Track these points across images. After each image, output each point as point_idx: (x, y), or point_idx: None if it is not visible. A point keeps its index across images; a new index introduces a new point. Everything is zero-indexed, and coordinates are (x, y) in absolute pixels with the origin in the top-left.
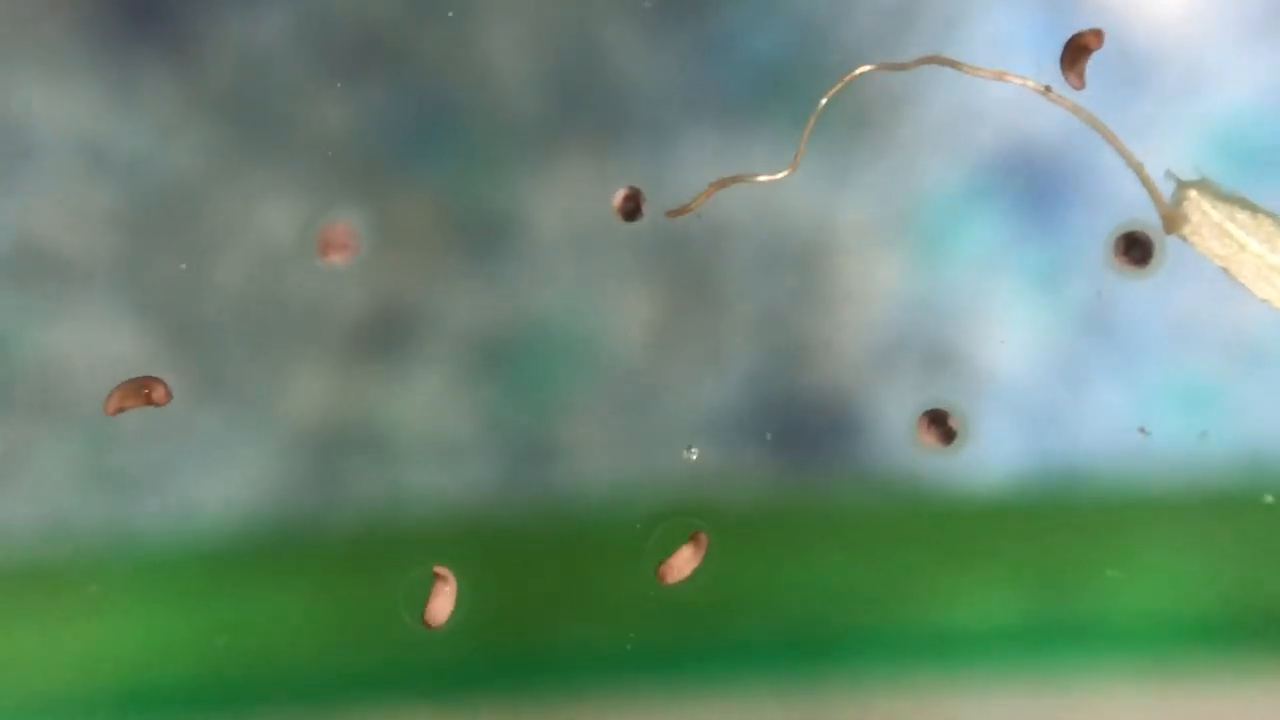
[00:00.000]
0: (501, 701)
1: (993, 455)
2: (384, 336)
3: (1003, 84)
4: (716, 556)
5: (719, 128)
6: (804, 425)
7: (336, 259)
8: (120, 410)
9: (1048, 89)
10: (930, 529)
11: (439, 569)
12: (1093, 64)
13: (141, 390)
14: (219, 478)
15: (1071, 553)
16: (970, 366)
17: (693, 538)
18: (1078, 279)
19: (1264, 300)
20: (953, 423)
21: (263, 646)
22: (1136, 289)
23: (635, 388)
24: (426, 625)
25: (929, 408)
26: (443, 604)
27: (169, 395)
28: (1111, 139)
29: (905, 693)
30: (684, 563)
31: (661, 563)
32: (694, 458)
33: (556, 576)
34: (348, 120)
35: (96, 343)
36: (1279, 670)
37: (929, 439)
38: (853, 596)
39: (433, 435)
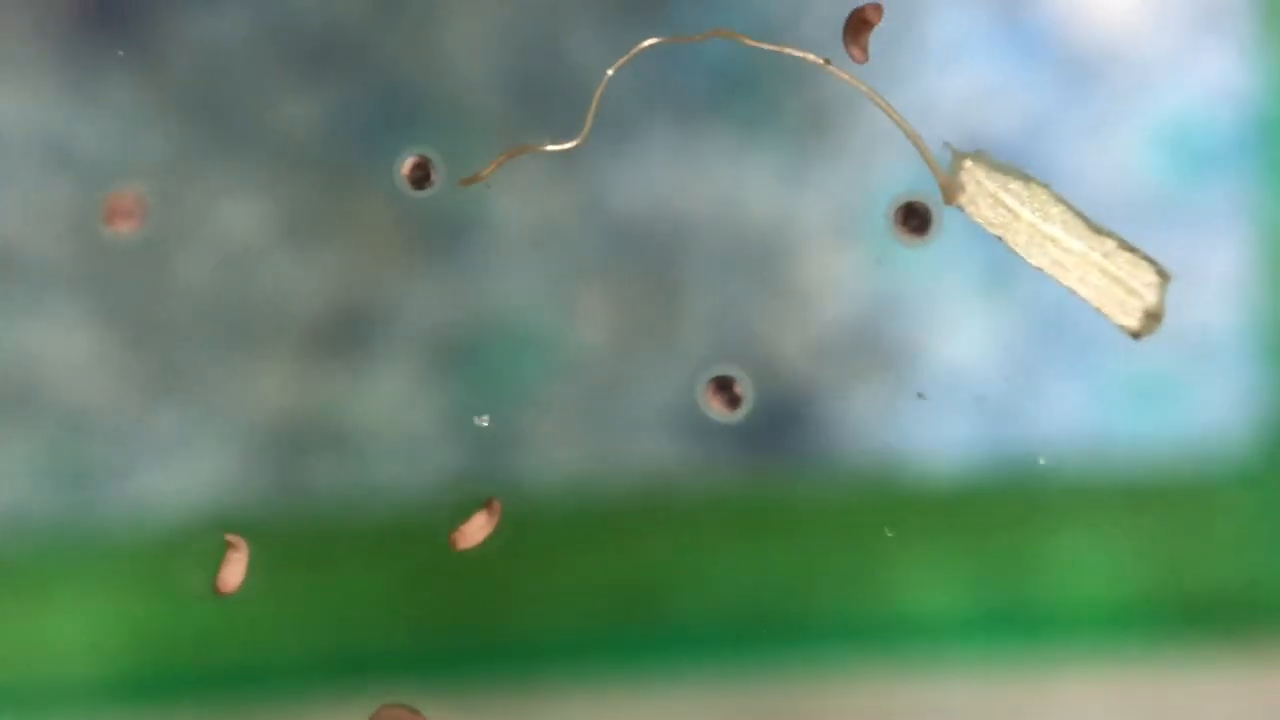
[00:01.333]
0: (452, 685)
1: (946, 444)
2: (346, 333)
3: (961, 80)
4: (670, 543)
5: (676, 125)
6: (763, 418)
7: (123, 227)
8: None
9: (827, 61)
10: (885, 517)
11: (231, 537)
12: (877, 38)
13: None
14: (179, 473)
15: (1024, 540)
16: (926, 359)
17: (486, 505)
18: (1031, 276)
19: (1038, 268)
20: (738, 388)
21: (224, 635)
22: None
23: (596, 382)
24: (219, 592)
25: (716, 375)
26: (235, 570)
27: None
28: (889, 110)
29: (861, 678)
30: (476, 530)
31: (454, 530)
32: (485, 424)
33: (511, 564)
34: (309, 117)
35: (58, 340)
36: (1229, 654)
37: (716, 404)
38: (809, 583)
39: (394, 431)
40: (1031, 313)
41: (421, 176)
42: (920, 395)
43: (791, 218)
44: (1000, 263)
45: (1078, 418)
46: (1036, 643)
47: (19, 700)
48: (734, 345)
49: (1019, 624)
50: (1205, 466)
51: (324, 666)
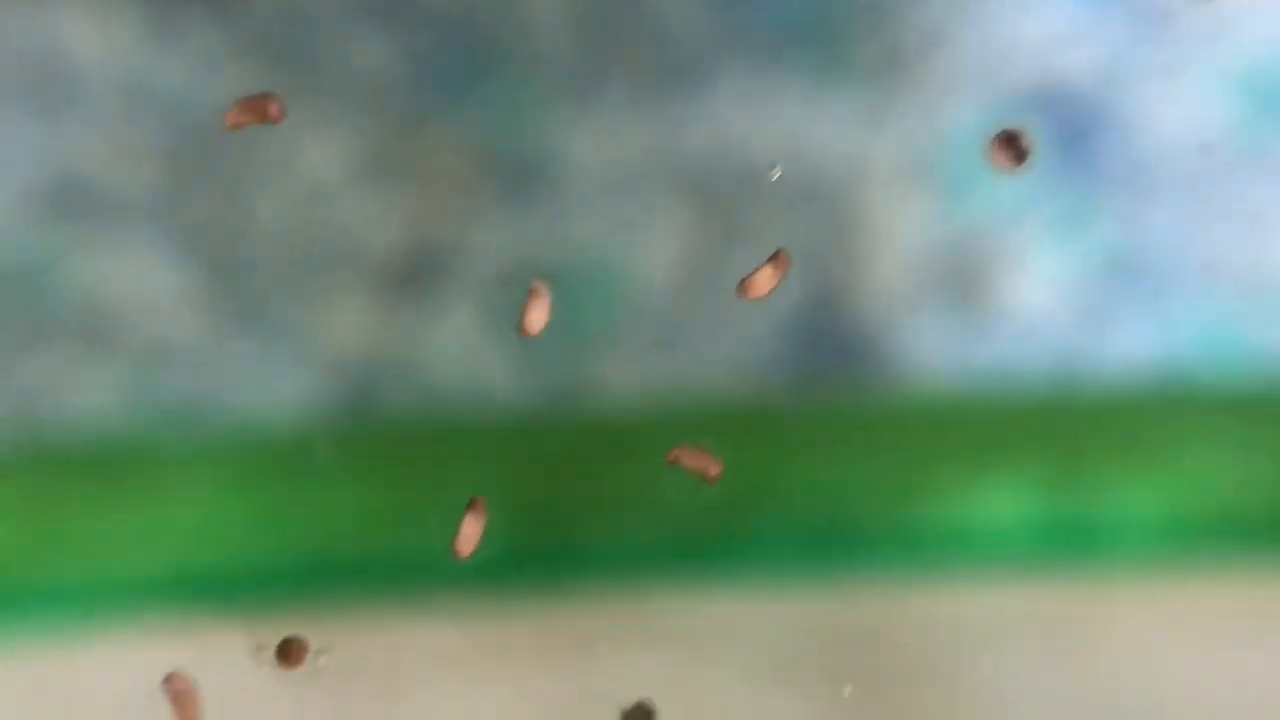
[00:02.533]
0: (538, 596)
1: (1014, 369)
2: (420, 270)
3: (1036, 25)
4: (742, 458)
5: (749, 68)
6: (832, 359)
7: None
8: (238, 125)
9: None
10: (953, 430)
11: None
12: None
13: (257, 107)
14: (258, 405)
15: (1088, 451)
16: (996, 304)
17: (774, 257)
18: (1104, 218)
19: None
20: (1025, 142)
21: (306, 537)
22: (1162, 229)
23: (666, 323)
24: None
25: (1003, 129)
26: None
27: (282, 112)
28: None
29: (924, 588)
30: (765, 280)
31: (744, 281)
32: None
33: (588, 484)
34: (387, 57)
35: (138, 276)
36: None
37: (1001, 159)
38: (875, 494)
39: (467, 369)
40: (1106, 253)
41: None
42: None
43: (864, 159)
44: (1078, 202)
45: (1146, 351)
46: (1096, 553)
47: (121, 587)
48: (805, 286)
49: (1080, 537)
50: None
51: (391, 565)
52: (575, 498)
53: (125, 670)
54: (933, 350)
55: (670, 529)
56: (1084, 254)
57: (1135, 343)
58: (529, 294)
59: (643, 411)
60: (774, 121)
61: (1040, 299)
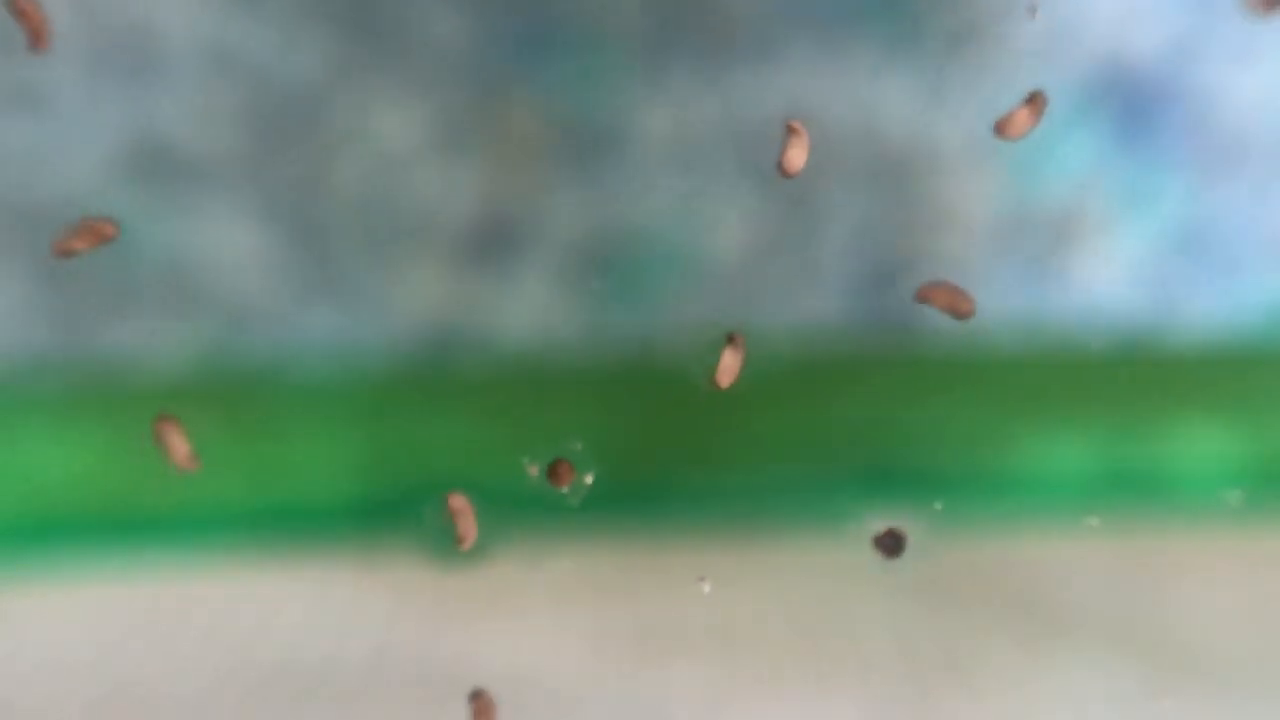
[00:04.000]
0: (635, 531)
1: (1083, 332)
2: (491, 240)
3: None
4: (816, 410)
5: (819, 42)
6: (901, 322)
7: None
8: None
9: None
10: (1024, 386)
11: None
12: None
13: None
14: (334, 370)
15: (1156, 404)
16: (1065, 275)
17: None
18: (1171, 195)
19: None
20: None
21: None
22: (1231, 205)
23: (733, 296)
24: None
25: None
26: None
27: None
28: None
29: (998, 533)
30: (1023, 120)
31: (713, 372)
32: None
33: (662, 437)
34: (463, 29)
35: (218, 240)
36: None
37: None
38: (949, 443)
39: (537, 338)
40: (1174, 227)
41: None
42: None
43: (931, 133)
44: (1145, 177)
45: (1214, 317)
46: (1163, 504)
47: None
48: (870, 260)
49: (1148, 486)
50: None
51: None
52: (650, 449)
53: (218, 600)
54: (1001, 313)
55: (748, 474)
56: (1152, 228)
57: (1201, 311)
58: (788, 132)
59: (711, 372)
60: (841, 95)
61: (1108, 272)
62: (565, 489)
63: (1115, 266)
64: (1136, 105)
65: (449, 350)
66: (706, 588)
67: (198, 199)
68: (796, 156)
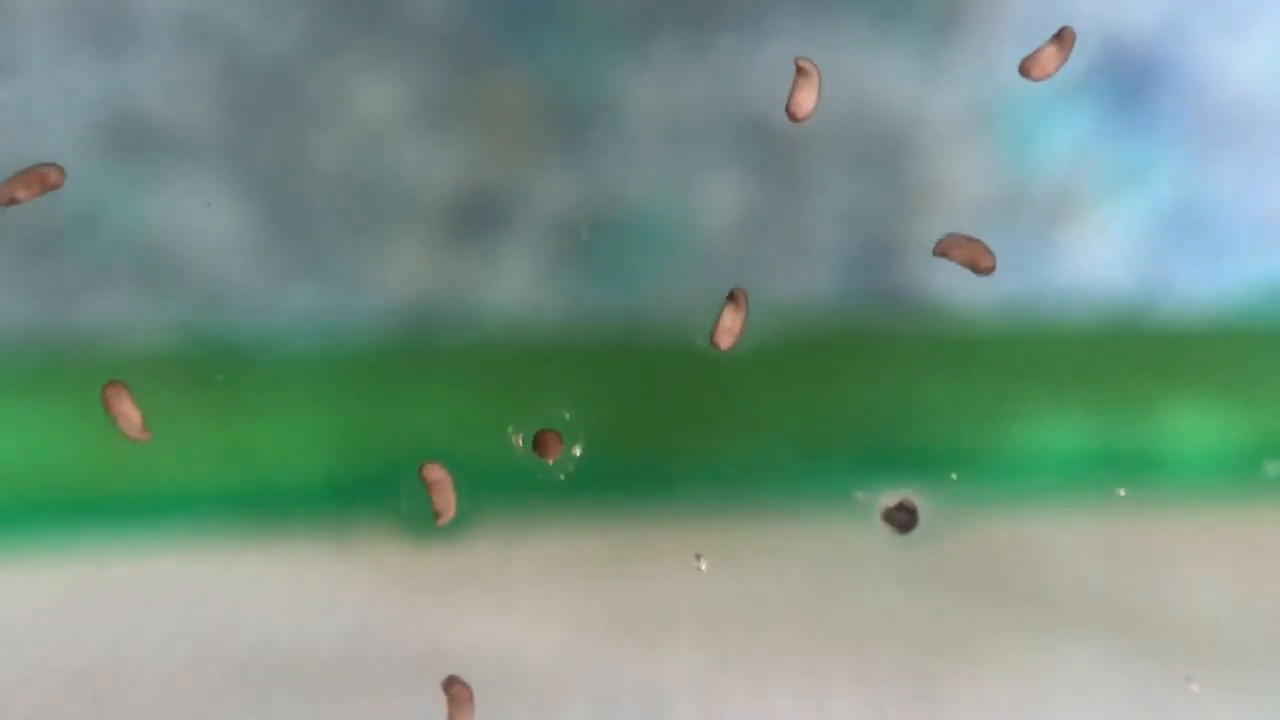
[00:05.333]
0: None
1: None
2: (475, 216)
3: None
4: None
5: (809, 14)
6: (888, 299)
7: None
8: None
9: None
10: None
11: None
12: None
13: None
14: (313, 346)
15: (1149, 383)
16: (1058, 256)
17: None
18: (1165, 172)
19: None
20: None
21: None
22: (1224, 182)
23: (723, 270)
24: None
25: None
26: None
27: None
28: None
29: (992, 511)
30: (1049, 59)
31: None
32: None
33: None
34: (447, 3)
35: (195, 215)
36: None
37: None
38: (941, 423)
39: (523, 313)
40: (1166, 204)
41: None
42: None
43: (923, 108)
44: (1139, 153)
45: (1206, 296)
46: (1155, 484)
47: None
48: (860, 236)
49: (1140, 465)
50: None
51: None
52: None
53: (191, 576)
54: (992, 289)
55: (741, 450)
56: (1145, 205)
57: (1195, 289)
58: (797, 72)
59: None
60: (833, 68)
61: (1101, 249)
62: (552, 461)
63: (1108, 244)
64: (1130, 82)
65: (433, 326)
66: (702, 566)
67: (174, 173)
68: (805, 99)
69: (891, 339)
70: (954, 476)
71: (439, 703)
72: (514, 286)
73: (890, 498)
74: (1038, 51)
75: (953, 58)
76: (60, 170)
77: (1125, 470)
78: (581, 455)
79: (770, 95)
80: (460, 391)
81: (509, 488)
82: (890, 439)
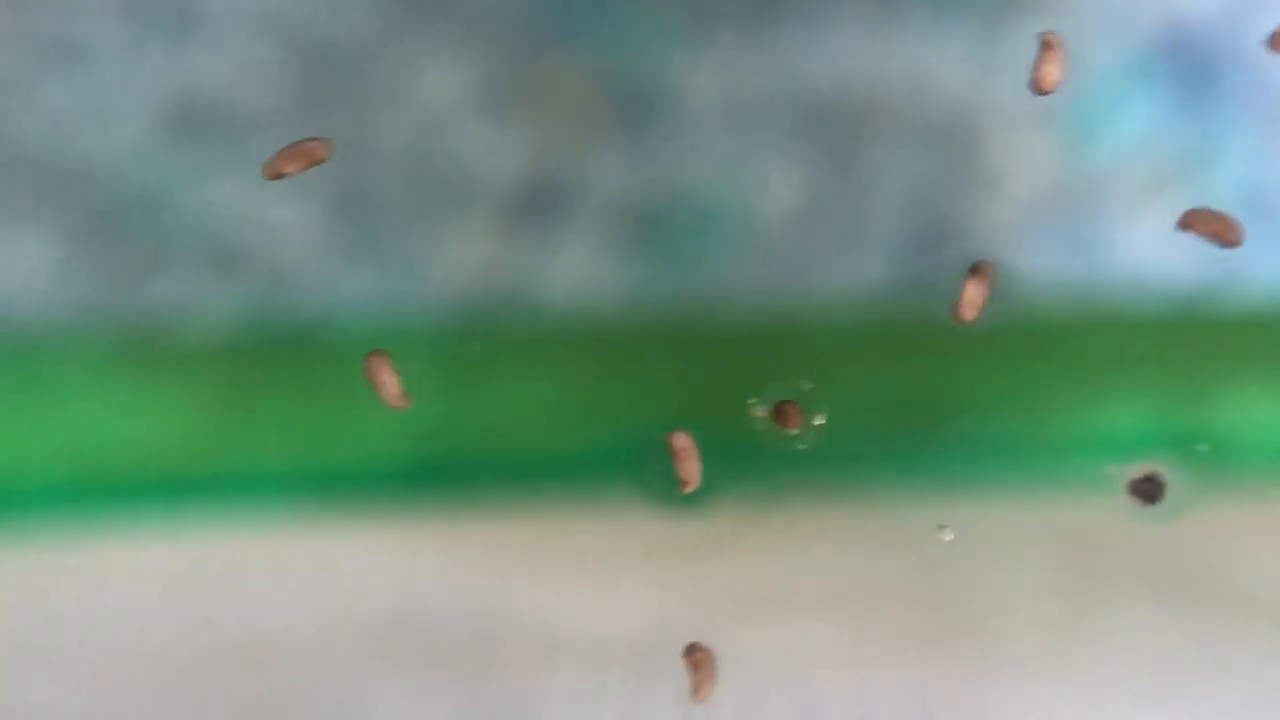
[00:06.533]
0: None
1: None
2: (537, 201)
3: None
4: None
5: (869, 1)
6: (950, 287)
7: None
8: (279, 175)
9: None
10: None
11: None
12: None
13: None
14: (378, 329)
15: (1210, 369)
16: (1115, 248)
17: (974, 269)
18: (1229, 157)
19: None
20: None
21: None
22: None
23: (780, 257)
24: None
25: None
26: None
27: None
28: None
29: (1049, 498)
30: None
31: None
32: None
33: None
34: None
35: (261, 199)
36: None
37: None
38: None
39: (581, 298)
40: (1231, 190)
41: None
42: None
43: (985, 95)
44: (1204, 139)
45: (1270, 281)
46: (1216, 470)
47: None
48: (920, 219)
49: (1198, 452)
50: None
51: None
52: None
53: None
54: (1053, 275)
55: (785, 441)
56: (1208, 191)
57: (1259, 275)
58: (1042, 46)
59: (758, 333)
60: (893, 56)
61: (1163, 235)
62: (794, 431)
63: (1171, 230)
64: (1195, 65)
65: (493, 312)
66: (947, 536)
67: (241, 157)
68: (1052, 71)
69: (945, 329)
70: (1007, 465)
71: (681, 670)
72: (573, 272)
73: (1138, 470)
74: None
75: (1014, 42)
76: (329, 144)
77: (1186, 459)
78: (823, 426)
79: (830, 80)
80: (521, 378)
81: (750, 459)
82: (942, 427)
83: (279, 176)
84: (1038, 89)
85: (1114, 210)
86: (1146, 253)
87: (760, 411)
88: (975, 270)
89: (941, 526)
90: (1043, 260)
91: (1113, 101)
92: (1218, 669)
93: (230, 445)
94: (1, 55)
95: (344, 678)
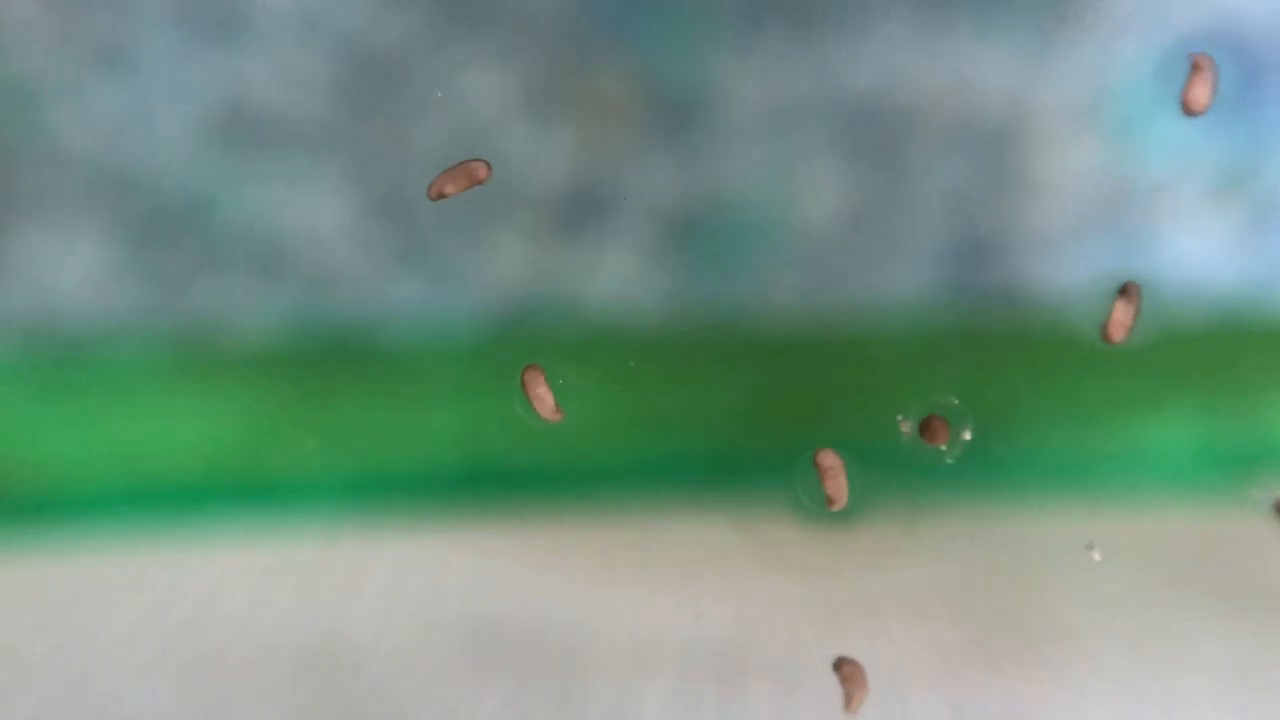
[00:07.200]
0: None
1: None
2: (581, 208)
3: None
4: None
5: (915, 9)
6: (991, 294)
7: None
8: (441, 195)
9: None
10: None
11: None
12: None
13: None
14: (420, 340)
15: (1255, 382)
16: (1159, 253)
17: (1123, 290)
18: (1273, 166)
19: None
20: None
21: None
22: None
23: (823, 264)
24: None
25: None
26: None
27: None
28: None
29: (1093, 511)
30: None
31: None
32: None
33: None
34: None
35: (307, 205)
36: None
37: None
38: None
39: (623, 306)
40: (1272, 200)
41: None
42: None
43: (1028, 101)
44: (1238, 158)
45: None
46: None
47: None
48: (963, 226)
49: (1244, 462)
50: None
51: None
52: (743, 419)
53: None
54: (1097, 284)
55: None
56: (1252, 200)
57: None
58: (1192, 67)
59: (801, 341)
60: (936, 62)
61: (1209, 241)
62: (942, 446)
63: (1215, 238)
64: (1240, 74)
65: (536, 318)
66: (1096, 555)
67: (287, 164)
68: (1201, 93)
69: (988, 336)
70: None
71: (834, 688)
72: (616, 278)
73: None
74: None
75: (1059, 48)
76: (488, 166)
77: (1231, 469)
78: (971, 441)
79: (875, 86)
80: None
81: (900, 473)
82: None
83: (441, 197)
84: (1187, 110)
85: (1157, 217)
86: (1188, 260)
87: (907, 427)
88: (1124, 291)
89: (1089, 547)
90: (1086, 269)
91: (1157, 108)
92: None
93: (279, 450)
94: (52, 63)
95: (429, 684)
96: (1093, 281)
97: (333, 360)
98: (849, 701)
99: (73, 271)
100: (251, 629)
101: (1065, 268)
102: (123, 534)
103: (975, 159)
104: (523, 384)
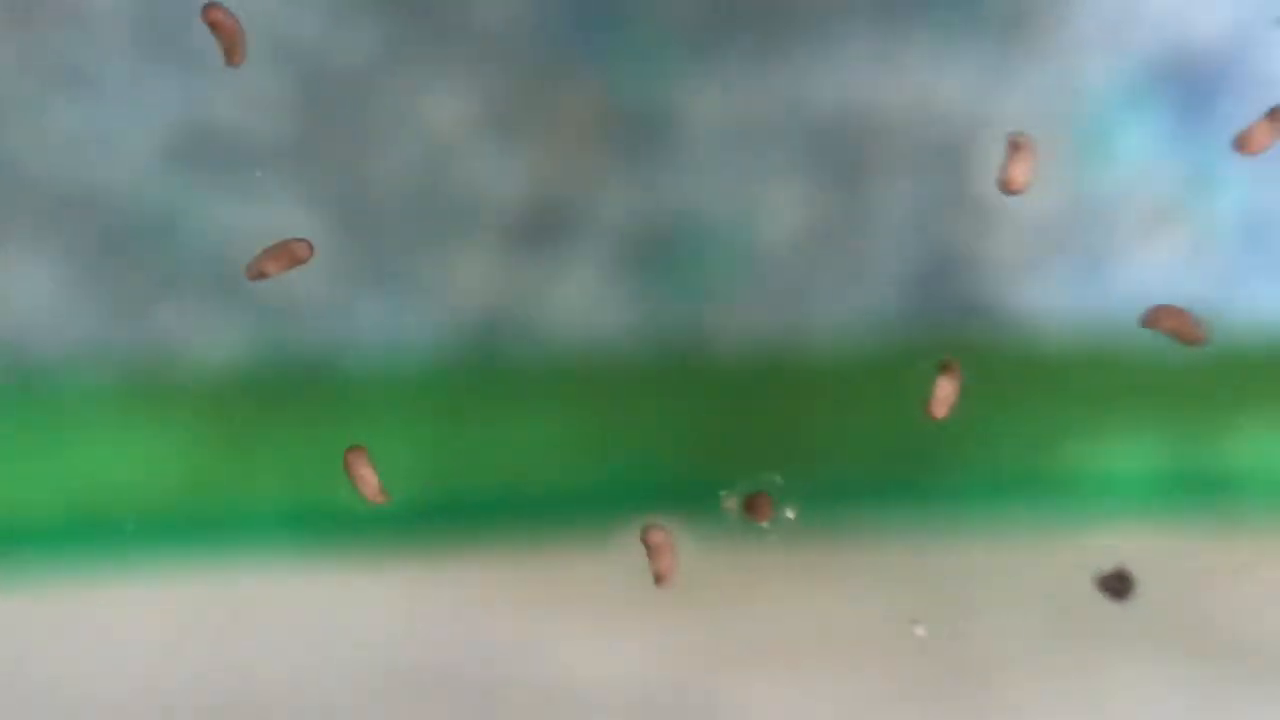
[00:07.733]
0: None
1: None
2: (542, 225)
3: None
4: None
5: (875, 28)
6: (956, 313)
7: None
8: (261, 276)
9: None
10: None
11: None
12: None
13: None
14: (383, 359)
15: (1217, 403)
16: (1122, 271)
17: (943, 367)
18: (1232, 184)
19: None
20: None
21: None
22: None
23: (785, 284)
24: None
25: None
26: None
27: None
28: None
29: (1054, 534)
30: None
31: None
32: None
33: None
34: (514, 12)
35: (264, 223)
36: None
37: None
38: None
39: (588, 327)
40: (1234, 215)
41: None
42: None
43: (990, 117)
44: (1207, 163)
45: (1275, 311)
46: (1225, 506)
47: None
48: (924, 246)
49: (1209, 488)
50: None
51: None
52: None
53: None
54: (1056, 305)
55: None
56: (1212, 219)
57: (1263, 304)
58: (1010, 147)
59: (763, 364)
60: (900, 78)
61: (1167, 260)
62: (764, 524)
63: (1174, 258)
64: (1196, 92)
65: (499, 340)
66: (920, 631)
67: (246, 185)
68: (1020, 172)
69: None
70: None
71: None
72: (579, 298)
73: (1106, 565)
74: (1252, 128)
75: (1019, 68)
76: (309, 245)
77: (1193, 493)
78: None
79: (837, 107)
80: (528, 409)
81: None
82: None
83: (261, 277)
84: (1006, 189)
85: (1116, 237)
86: (1147, 280)
87: (731, 504)
88: (945, 367)
89: (913, 622)
90: (1046, 290)
91: (1116, 127)
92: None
93: (233, 482)
94: (8, 83)
95: None
96: (1054, 301)
97: (289, 387)
98: (659, 579)
99: (28, 294)
100: (166, 675)
101: (1026, 288)
102: (56, 571)
103: (937, 176)
104: (346, 465)
